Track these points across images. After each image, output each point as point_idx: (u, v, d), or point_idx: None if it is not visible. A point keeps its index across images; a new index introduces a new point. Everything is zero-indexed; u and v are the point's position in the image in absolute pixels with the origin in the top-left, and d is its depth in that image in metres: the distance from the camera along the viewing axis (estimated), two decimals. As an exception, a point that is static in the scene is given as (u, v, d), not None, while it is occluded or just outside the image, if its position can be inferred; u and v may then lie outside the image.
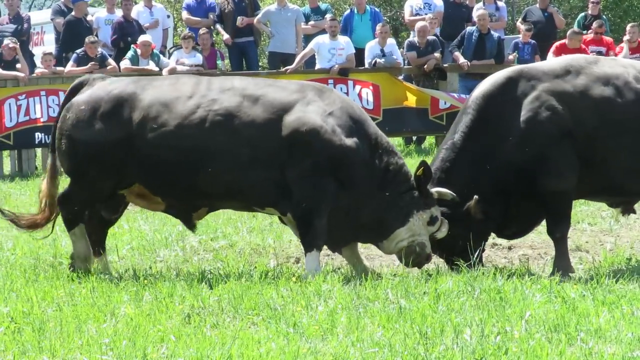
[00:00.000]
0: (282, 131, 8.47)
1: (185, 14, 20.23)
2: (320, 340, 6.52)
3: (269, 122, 8.48)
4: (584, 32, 19.27)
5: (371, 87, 18.45)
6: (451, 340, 6.36)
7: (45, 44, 22.39)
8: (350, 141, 8.52)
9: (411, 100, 18.55)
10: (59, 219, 8.93)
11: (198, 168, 8.46)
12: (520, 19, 20.97)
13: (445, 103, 18.47)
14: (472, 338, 6.36)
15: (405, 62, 19.08)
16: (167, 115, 8.50)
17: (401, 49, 19.75)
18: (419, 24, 19.02)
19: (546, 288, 7.69)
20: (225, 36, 19.60)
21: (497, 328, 6.62)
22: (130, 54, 18.18)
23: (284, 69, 18.46)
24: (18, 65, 17.86)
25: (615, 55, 17.99)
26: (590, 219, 11.50)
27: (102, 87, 8.75)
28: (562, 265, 8.77)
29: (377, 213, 8.58)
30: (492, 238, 9.47)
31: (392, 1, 31.74)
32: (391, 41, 19.21)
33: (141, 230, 11.12)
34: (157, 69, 17.99)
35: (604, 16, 21.56)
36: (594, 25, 19.36)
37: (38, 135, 17.57)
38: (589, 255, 9.78)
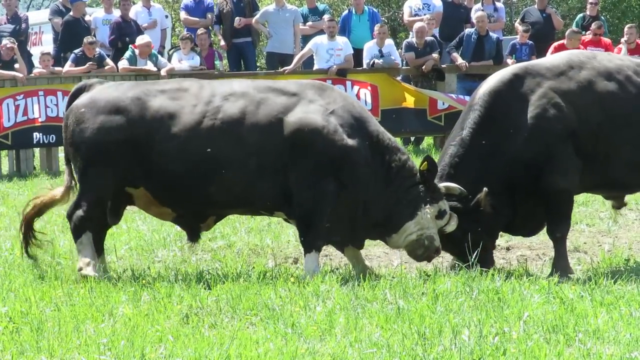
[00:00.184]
0: (285, 133, 8.48)
1: (183, 14, 20.23)
2: (318, 340, 6.52)
3: (271, 126, 8.48)
4: (583, 32, 19.27)
5: (369, 88, 18.43)
6: (449, 340, 6.36)
7: (43, 44, 22.38)
8: (352, 140, 8.52)
9: (409, 101, 18.53)
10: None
11: (207, 178, 8.44)
12: (518, 20, 20.96)
13: (443, 104, 18.46)
14: (470, 339, 6.36)
15: (404, 62, 19.06)
16: (172, 125, 8.49)
17: (399, 50, 19.75)
18: (417, 25, 19.01)
19: (544, 289, 7.69)
20: (223, 43, 19.66)
21: (495, 329, 6.62)
22: (128, 54, 18.16)
23: (282, 70, 18.43)
24: (16, 65, 17.83)
25: (615, 55, 17.99)
26: (589, 220, 11.51)
27: (101, 91, 8.75)
28: (561, 265, 8.78)
29: (386, 208, 8.59)
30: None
31: (390, 2, 31.78)
32: (389, 42, 19.19)
33: (139, 231, 11.11)
34: (155, 69, 17.99)
35: (602, 17, 21.57)
36: (593, 26, 19.36)
37: (36, 135, 17.52)
38: (587, 256, 9.78)
